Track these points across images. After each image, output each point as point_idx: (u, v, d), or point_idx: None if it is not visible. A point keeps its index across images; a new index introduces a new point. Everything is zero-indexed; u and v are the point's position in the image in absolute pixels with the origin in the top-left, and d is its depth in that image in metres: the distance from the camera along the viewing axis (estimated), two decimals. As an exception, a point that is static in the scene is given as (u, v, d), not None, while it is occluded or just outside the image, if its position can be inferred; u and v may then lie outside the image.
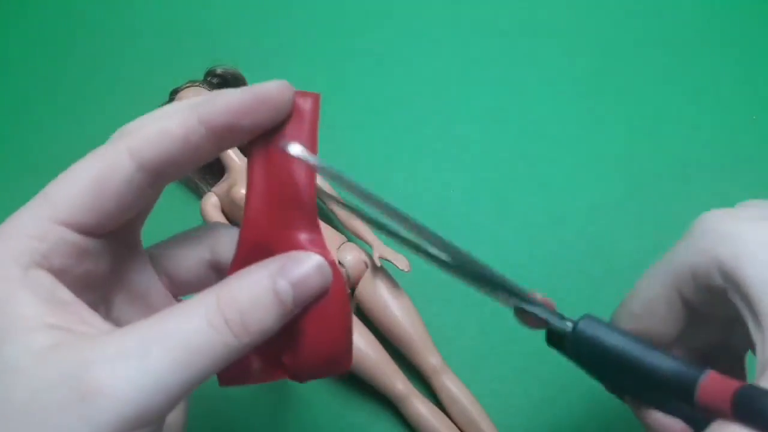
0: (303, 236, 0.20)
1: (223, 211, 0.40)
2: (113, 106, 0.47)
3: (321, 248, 0.20)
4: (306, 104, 0.21)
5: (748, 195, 0.44)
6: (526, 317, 0.23)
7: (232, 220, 0.39)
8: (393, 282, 0.37)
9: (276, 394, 0.37)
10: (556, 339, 0.24)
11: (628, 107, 0.47)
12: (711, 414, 0.19)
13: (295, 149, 0.19)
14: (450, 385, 0.35)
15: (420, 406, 0.35)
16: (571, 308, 0.39)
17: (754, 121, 0.46)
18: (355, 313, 0.37)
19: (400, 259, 0.36)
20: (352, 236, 0.39)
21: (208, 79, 0.43)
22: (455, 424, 0.35)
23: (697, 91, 0.48)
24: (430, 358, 0.36)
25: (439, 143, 0.45)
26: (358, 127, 0.46)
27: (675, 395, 0.21)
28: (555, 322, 0.23)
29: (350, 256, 0.37)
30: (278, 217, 0.20)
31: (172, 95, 0.42)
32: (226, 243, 0.22)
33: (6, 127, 0.47)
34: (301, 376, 0.21)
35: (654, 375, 0.21)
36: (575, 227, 0.42)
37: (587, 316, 0.23)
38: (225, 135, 0.19)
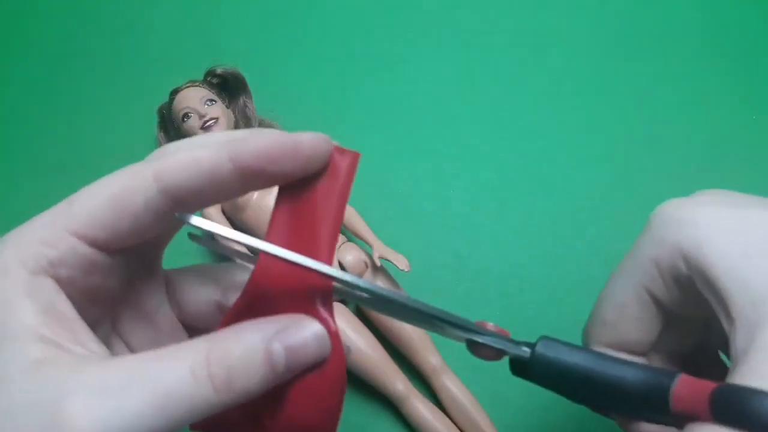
0: (312, 300, 0.19)
1: (224, 213, 0.40)
2: (113, 106, 0.47)
3: (327, 317, 0.19)
4: (344, 161, 0.20)
5: (748, 193, 0.44)
6: (479, 350, 0.22)
7: (232, 221, 0.39)
8: (393, 282, 0.37)
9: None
10: (519, 367, 0.22)
11: (628, 107, 0.47)
12: (691, 421, 0.18)
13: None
14: (450, 385, 0.35)
15: (420, 406, 0.35)
16: (571, 309, 0.40)
17: (753, 121, 0.46)
18: (355, 313, 0.37)
19: (400, 260, 0.36)
20: (352, 236, 0.39)
21: (208, 79, 0.43)
22: (455, 424, 0.35)
23: (697, 92, 0.48)
24: (430, 358, 0.36)
25: (439, 143, 0.45)
26: (358, 128, 0.46)
27: (650, 406, 0.19)
28: (511, 349, 0.21)
29: (350, 256, 0.37)
30: (292, 274, 0.19)
31: (173, 95, 0.42)
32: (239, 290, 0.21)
33: (6, 127, 0.47)
34: None
35: (623, 388, 0.20)
36: (575, 227, 0.42)
37: (543, 338, 0.22)
38: (253, 177, 0.18)
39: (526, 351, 0.21)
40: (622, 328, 0.22)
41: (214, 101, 0.41)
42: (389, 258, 0.36)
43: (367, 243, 0.38)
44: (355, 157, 0.20)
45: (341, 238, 0.39)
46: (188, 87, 0.42)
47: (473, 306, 0.40)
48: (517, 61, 0.49)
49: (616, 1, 0.52)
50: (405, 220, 0.42)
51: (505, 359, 0.22)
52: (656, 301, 0.21)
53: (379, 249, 0.37)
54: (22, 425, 0.15)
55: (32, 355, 0.16)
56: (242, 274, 0.22)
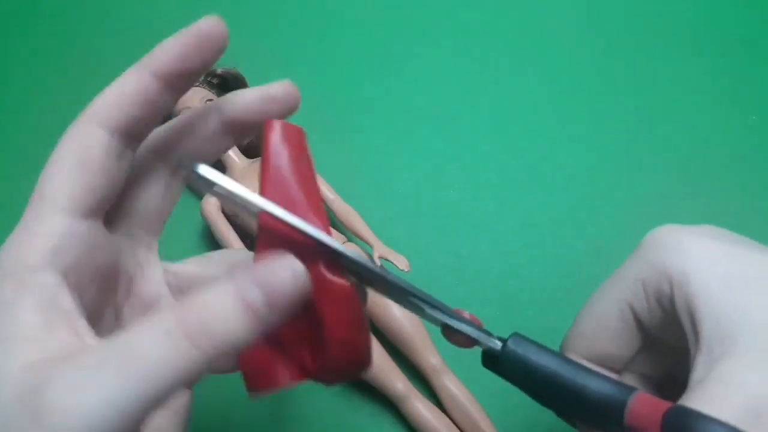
0: (314, 258, 0.19)
1: (224, 212, 0.40)
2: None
3: (326, 272, 0.19)
4: (293, 131, 0.22)
5: (747, 194, 0.44)
6: (453, 336, 0.22)
7: (232, 221, 0.39)
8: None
9: (276, 394, 0.37)
10: (489, 360, 0.23)
11: (628, 108, 0.47)
12: None
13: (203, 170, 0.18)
14: (450, 385, 0.35)
15: (420, 406, 0.35)
16: (571, 309, 0.39)
17: (753, 121, 0.46)
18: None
19: (400, 259, 0.37)
20: (352, 236, 0.39)
21: (208, 79, 0.43)
22: (455, 424, 0.35)
23: (697, 92, 0.48)
24: (431, 358, 0.36)
25: (439, 143, 0.45)
26: (358, 128, 0.46)
27: (607, 417, 0.20)
28: (484, 340, 0.22)
29: None
30: (287, 232, 0.19)
31: (173, 95, 0.42)
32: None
33: (6, 127, 0.47)
34: (326, 379, 0.21)
35: (584, 395, 0.20)
36: (575, 227, 0.42)
37: (516, 335, 0.22)
38: (178, 82, 0.19)
39: (497, 344, 0.22)
40: (600, 341, 0.23)
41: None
42: (389, 258, 0.37)
43: (367, 243, 0.38)
44: (290, 128, 0.21)
45: (341, 237, 0.39)
46: (188, 87, 0.42)
47: (473, 306, 0.40)
48: (518, 61, 0.49)
49: (615, 1, 0.52)
50: (405, 220, 0.42)
51: (478, 350, 0.23)
52: (636, 320, 0.22)
53: (379, 249, 0.37)
54: (8, 420, 0.15)
55: (32, 355, 0.16)
56: (240, 257, 0.23)
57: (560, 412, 0.23)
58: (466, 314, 0.22)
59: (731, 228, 0.42)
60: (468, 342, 0.22)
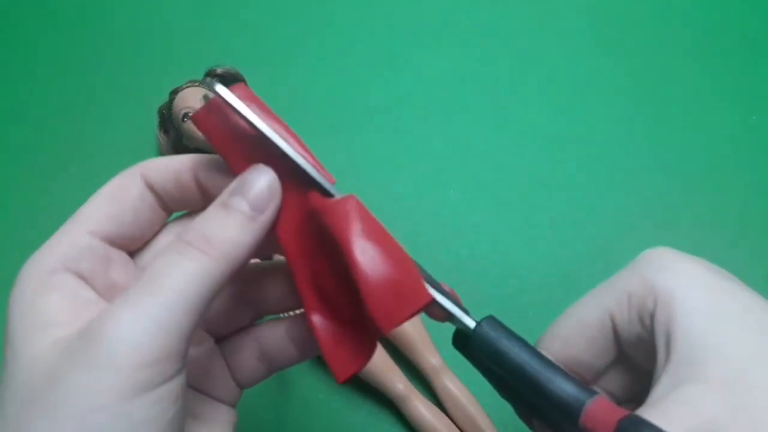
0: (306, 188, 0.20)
1: None
2: (114, 106, 0.47)
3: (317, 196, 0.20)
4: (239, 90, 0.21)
5: (748, 194, 0.44)
6: (430, 308, 0.21)
7: None
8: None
9: (276, 394, 0.37)
10: (461, 340, 0.23)
11: (628, 108, 0.47)
12: None
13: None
14: (450, 385, 0.35)
15: (420, 406, 0.35)
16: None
17: (753, 121, 0.46)
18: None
19: None
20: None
21: (208, 79, 0.43)
22: (455, 424, 0.35)
23: (697, 92, 0.48)
24: (431, 359, 0.36)
25: (439, 143, 0.45)
26: (358, 128, 0.46)
27: (564, 415, 0.20)
28: (460, 315, 0.21)
29: None
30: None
31: (173, 95, 0.42)
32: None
33: (6, 127, 0.47)
34: (383, 321, 0.19)
35: (545, 390, 0.20)
36: (575, 227, 0.42)
37: (491, 317, 0.22)
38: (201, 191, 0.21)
39: (471, 323, 0.21)
40: (575, 344, 0.23)
41: (214, 101, 0.41)
42: None
43: None
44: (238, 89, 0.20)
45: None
46: (188, 87, 0.42)
47: (473, 306, 0.40)
48: (517, 62, 0.49)
49: (616, 2, 0.52)
50: (405, 220, 0.42)
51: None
52: (615, 331, 0.22)
53: None
54: (66, 361, 0.17)
55: (60, 334, 0.17)
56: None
57: (519, 408, 0.23)
58: (446, 287, 0.22)
59: (732, 227, 0.42)
60: (444, 316, 0.21)
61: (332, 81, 0.48)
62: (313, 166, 0.20)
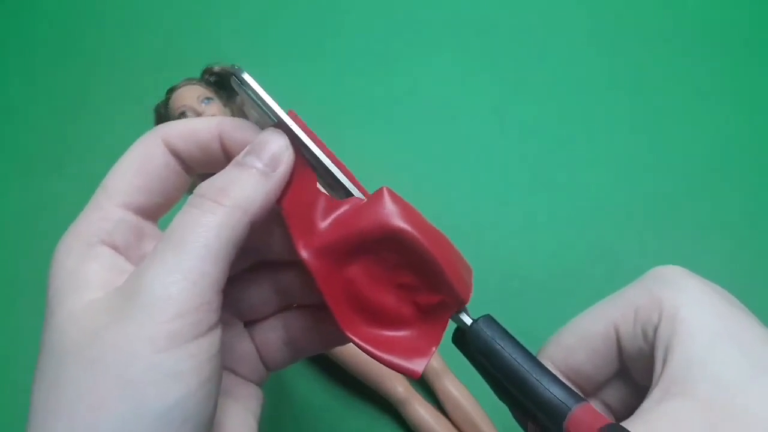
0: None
1: None
2: (110, 105, 0.47)
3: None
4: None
5: (751, 195, 0.44)
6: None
7: None
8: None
9: (277, 396, 0.37)
10: (459, 337, 0.23)
11: (629, 107, 0.47)
12: None
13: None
14: (451, 387, 0.35)
15: (420, 409, 0.34)
16: (572, 309, 0.39)
17: (756, 121, 0.46)
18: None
19: None
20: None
21: (205, 77, 0.43)
22: (456, 426, 0.35)
23: (700, 92, 0.47)
24: (432, 361, 0.35)
25: (439, 143, 0.45)
26: (358, 127, 0.46)
27: (551, 419, 0.20)
28: (459, 314, 0.22)
29: None
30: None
31: (169, 93, 0.42)
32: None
33: (2, 126, 0.47)
34: (464, 291, 0.22)
35: (534, 393, 0.21)
36: (576, 228, 0.42)
37: (488, 316, 0.23)
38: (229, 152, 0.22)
39: (468, 321, 0.22)
40: (578, 354, 0.23)
41: (211, 99, 0.41)
42: None
43: None
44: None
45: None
46: (185, 85, 0.41)
47: (473, 306, 0.40)
48: (518, 61, 0.49)
49: (617, 2, 0.51)
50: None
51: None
52: (618, 344, 0.22)
53: None
54: (102, 317, 0.17)
55: (98, 296, 0.18)
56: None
57: (514, 410, 0.24)
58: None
59: (733, 227, 0.42)
60: None
61: (332, 80, 0.48)
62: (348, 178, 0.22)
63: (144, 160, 0.21)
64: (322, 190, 0.22)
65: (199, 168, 0.22)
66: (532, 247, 0.41)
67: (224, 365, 0.22)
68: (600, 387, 0.24)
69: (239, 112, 0.42)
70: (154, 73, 0.47)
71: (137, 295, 0.17)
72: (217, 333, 0.18)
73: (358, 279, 0.21)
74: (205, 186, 0.19)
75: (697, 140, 0.45)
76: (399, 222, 0.21)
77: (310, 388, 0.37)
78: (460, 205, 0.43)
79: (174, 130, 0.21)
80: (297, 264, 0.22)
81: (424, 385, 0.36)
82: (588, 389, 0.24)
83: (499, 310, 0.39)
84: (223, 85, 0.43)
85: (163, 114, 0.42)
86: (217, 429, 0.21)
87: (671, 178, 0.44)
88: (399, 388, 0.35)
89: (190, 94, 0.40)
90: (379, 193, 0.21)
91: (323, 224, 0.21)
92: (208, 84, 0.42)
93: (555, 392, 0.20)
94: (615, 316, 0.22)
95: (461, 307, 0.22)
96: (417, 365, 0.21)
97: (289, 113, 0.22)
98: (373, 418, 0.36)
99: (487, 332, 0.22)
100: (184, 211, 0.19)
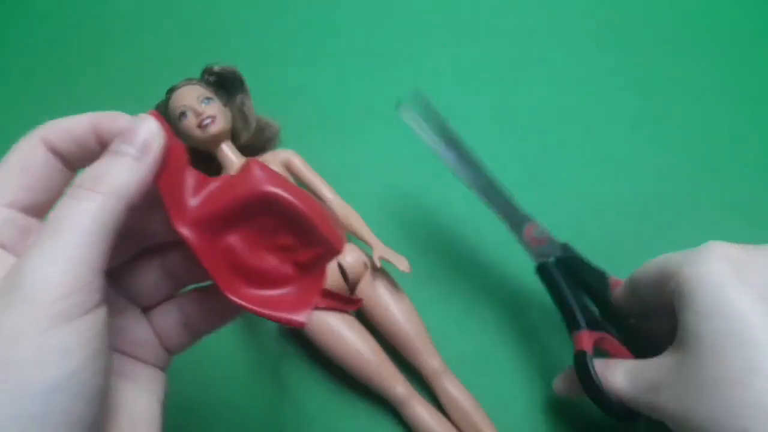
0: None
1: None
2: (110, 104, 0.46)
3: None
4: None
5: (753, 194, 0.44)
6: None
7: None
8: (393, 283, 0.37)
9: (275, 396, 0.37)
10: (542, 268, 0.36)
11: (630, 108, 0.47)
12: None
13: None
14: (451, 387, 0.35)
15: (420, 409, 0.34)
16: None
17: (759, 121, 0.46)
18: (356, 317, 0.37)
19: (400, 260, 0.36)
20: (351, 236, 0.39)
21: (206, 77, 0.42)
22: (456, 427, 0.34)
23: (701, 93, 0.47)
24: (431, 361, 0.35)
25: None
26: (358, 127, 0.46)
27: (572, 325, 0.33)
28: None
29: (350, 257, 0.37)
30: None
31: (169, 93, 0.42)
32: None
33: (3, 126, 0.47)
34: (338, 242, 0.23)
35: (565, 304, 0.34)
36: (576, 228, 0.42)
37: (556, 259, 0.36)
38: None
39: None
40: (640, 282, 0.31)
41: (212, 99, 0.40)
42: (389, 259, 0.36)
43: (366, 243, 0.37)
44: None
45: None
46: (185, 85, 0.41)
47: (473, 306, 0.40)
48: (519, 61, 0.49)
49: (617, 2, 0.52)
50: (405, 219, 0.42)
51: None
52: (664, 284, 0.28)
53: (379, 250, 0.37)
54: None
55: None
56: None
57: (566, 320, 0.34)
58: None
59: (735, 227, 0.42)
60: (539, 241, 0.37)
61: (331, 79, 0.48)
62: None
63: (25, 161, 0.22)
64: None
65: (80, 163, 0.23)
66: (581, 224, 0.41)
67: (124, 351, 0.24)
68: (650, 312, 0.32)
69: (239, 112, 0.42)
70: (154, 73, 0.47)
71: (19, 283, 0.18)
72: (101, 311, 0.19)
73: (237, 246, 0.23)
74: (81, 177, 0.20)
75: (700, 139, 0.45)
76: (268, 186, 0.22)
77: (309, 388, 0.37)
78: (459, 204, 0.43)
79: (50, 129, 0.22)
80: (181, 244, 0.23)
81: (423, 385, 0.36)
82: (644, 311, 0.32)
83: (500, 311, 0.40)
84: (223, 85, 0.43)
85: (163, 114, 0.42)
86: (118, 411, 0.22)
87: (671, 178, 0.44)
88: (398, 388, 0.35)
89: (190, 94, 0.40)
90: (246, 165, 0.22)
91: (196, 199, 0.22)
92: (208, 84, 0.42)
93: (580, 310, 0.33)
94: (664, 268, 0.28)
95: (336, 255, 0.23)
96: (302, 316, 0.23)
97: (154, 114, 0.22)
98: (372, 418, 0.36)
99: (569, 254, 0.36)
100: (61, 201, 0.20)
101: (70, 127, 0.22)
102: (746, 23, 0.50)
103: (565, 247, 0.37)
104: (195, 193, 0.23)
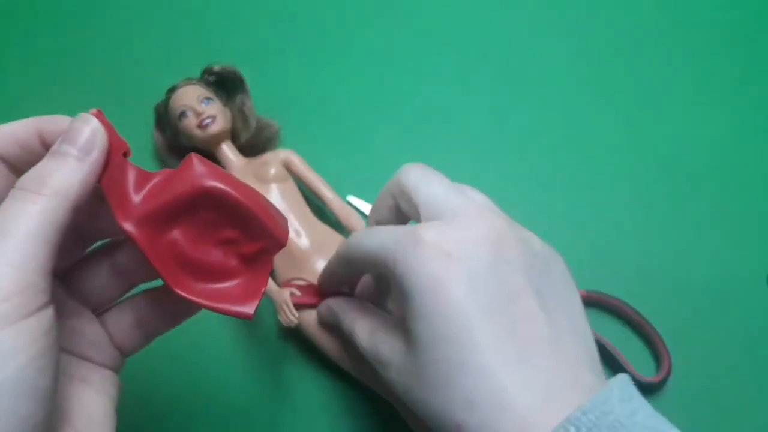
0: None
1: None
2: (110, 104, 0.46)
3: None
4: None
5: (750, 194, 0.44)
6: None
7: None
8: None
9: (274, 397, 0.37)
10: None
11: (630, 106, 0.47)
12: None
13: None
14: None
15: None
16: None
17: (757, 121, 0.46)
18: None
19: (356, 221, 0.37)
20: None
21: (206, 77, 0.43)
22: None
23: (699, 90, 0.47)
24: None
25: (439, 143, 0.45)
26: (357, 127, 0.46)
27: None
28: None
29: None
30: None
31: (169, 93, 0.42)
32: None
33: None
34: (283, 235, 0.24)
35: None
36: (576, 227, 0.42)
37: None
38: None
39: None
40: (380, 210, 0.31)
41: (212, 99, 0.41)
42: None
43: (323, 199, 0.39)
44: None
45: (340, 238, 0.38)
46: (185, 85, 0.41)
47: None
48: (519, 60, 0.49)
49: (617, 1, 0.52)
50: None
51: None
52: (396, 206, 0.30)
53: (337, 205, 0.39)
54: None
55: None
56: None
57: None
58: None
59: (733, 227, 0.42)
60: None
61: (331, 80, 0.48)
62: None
63: None
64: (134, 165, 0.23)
65: (25, 167, 0.23)
66: None
67: (77, 352, 0.24)
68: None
69: (239, 112, 0.42)
70: (154, 72, 0.47)
71: None
72: (47, 312, 0.19)
73: (181, 241, 0.23)
74: (24, 178, 0.20)
75: (698, 139, 0.45)
76: (209, 181, 0.22)
77: (309, 388, 0.37)
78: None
79: None
80: (129, 242, 0.23)
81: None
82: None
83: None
84: (223, 85, 0.43)
85: (163, 114, 0.42)
86: (71, 412, 0.22)
87: (671, 178, 0.44)
88: (399, 388, 0.34)
89: (190, 94, 0.40)
90: (187, 159, 0.23)
91: (139, 195, 0.23)
92: (208, 84, 0.42)
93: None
94: (391, 191, 0.30)
95: (281, 248, 0.24)
96: (248, 308, 0.23)
97: (95, 113, 0.23)
98: (373, 417, 0.36)
99: None
100: (5, 203, 0.20)
101: (13, 131, 0.23)
102: (742, 26, 0.50)
103: None
104: (137, 189, 0.23)
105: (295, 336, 0.38)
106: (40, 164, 0.21)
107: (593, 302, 0.39)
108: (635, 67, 0.48)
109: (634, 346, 0.38)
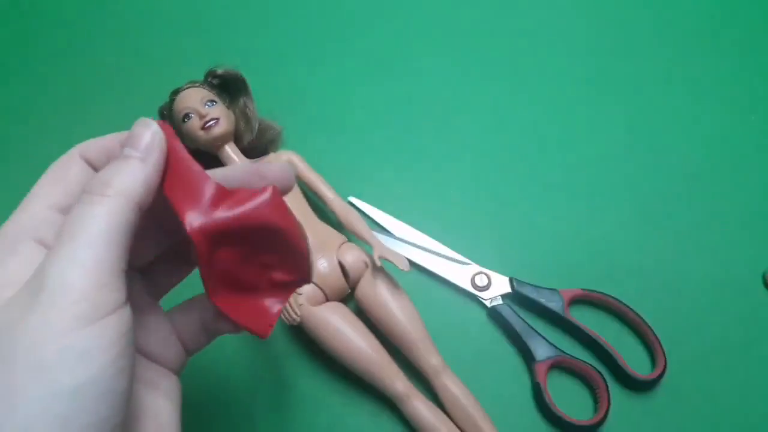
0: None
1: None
2: (114, 107, 0.47)
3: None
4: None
5: (747, 194, 0.44)
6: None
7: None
8: (393, 282, 0.37)
9: (276, 394, 0.37)
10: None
11: (628, 107, 0.47)
12: None
13: None
14: (450, 384, 0.35)
15: (420, 406, 0.35)
16: (572, 309, 0.40)
17: (752, 122, 0.47)
18: (356, 314, 0.37)
19: (399, 260, 0.36)
20: (351, 236, 0.39)
21: (209, 79, 0.43)
22: (455, 424, 0.35)
23: (697, 91, 0.48)
24: (431, 358, 0.36)
25: (439, 143, 0.45)
26: (358, 127, 0.46)
27: None
28: None
29: (350, 256, 0.37)
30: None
31: (173, 96, 0.42)
32: None
33: (5, 127, 0.47)
34: (303, 274, 0.25)
35: (518, 342, 0.37)
36: (576, 228, 0.42)
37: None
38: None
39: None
40: None
41: (215, 102, 0.41)
42: (389, 258, 0.36)
43: (366, 243, 0.38)
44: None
45: (341, 237, 0.39)
46: (188, 88, 0.42)
47: (471, 306, 0.40)
48: (518, 61, 0.49)
49: (616, 2, 0.52)
50: (404, 220, 0.42)
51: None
52: None
53: (379, 249, 0.37)
54: (14, 311, 0.19)
55: (9, 294, 0.20)
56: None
57: None
58: None
59: (731, 227, 0.42)
60: None
61: (332, 81, 0.48)
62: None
63: (65, 170, 0.23)
64: (213, 178, 0.24)
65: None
66: (530, 246, 0.42)
67: (146, 351, 0.25)
68: None
69: (242, 114, 0.43)
70: (157, 75, 0.48)
71: (40, 287, 0.18)
72: (124, 312, 0.20)
73: (230, 256, 0.24)
74: (90, 182, 0.21)
75: (696, 140, 0.46)
76: (281, 219, 0.23)
77: (310, 385, 0.37)
78: (459, 204, 0.43)
79: (87, 143, 0.24)
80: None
81: (423, 382, 0.36)
82: None
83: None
84: (227, 87, 0.43)
85: (167, 116, 0.43)
86: (143, 418, 0.22)
87: (670, 177, 0.44)
88: (399, 385, 0.35)
89: (194, 97, 0.41)
90: (264, 189, 0.23)
91: (212, 207, 0.23)
92: (212, 87, 0.43)
93: (534, 350, 0.36)
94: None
95: (306, 284, 0.26)
96: (265, 329, 0.25)
97: (159, 123, 0.24)
98: (373, 414, 0.36)
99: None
100: (74, 208, 0.20)
101: (104, 143, 0.24)
102: (739, 27, 0.51)
103: (510, 281, 0.39)
104: (212, 202, 0.23)
105: (298, 333, 0.38)
106: (105, 168, 0.22)
107: (590, 301, 0.39)
108: (632, 68, 0.49)
109: (629, 344, 0.38)
